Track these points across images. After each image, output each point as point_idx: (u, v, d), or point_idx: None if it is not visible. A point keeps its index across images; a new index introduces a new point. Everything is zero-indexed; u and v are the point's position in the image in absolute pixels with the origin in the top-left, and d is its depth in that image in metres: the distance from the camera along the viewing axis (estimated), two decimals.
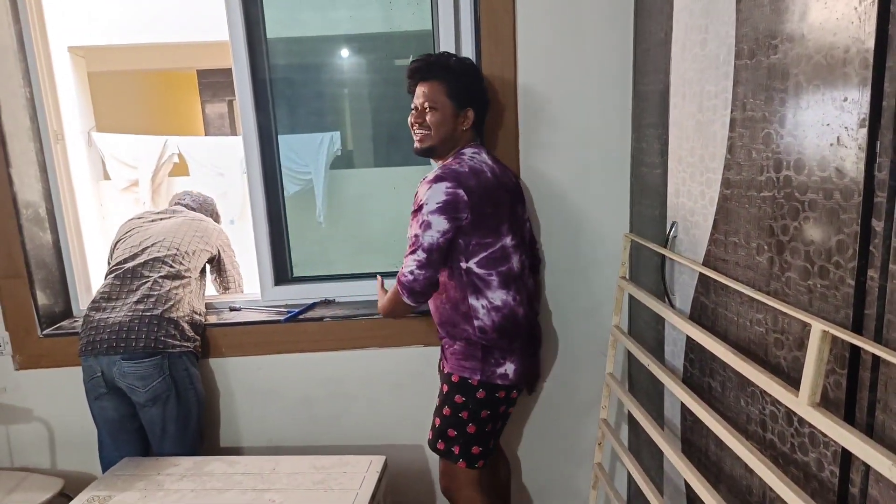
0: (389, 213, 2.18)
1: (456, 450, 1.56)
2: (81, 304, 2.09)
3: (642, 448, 1.77)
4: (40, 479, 1.93)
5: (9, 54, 1.86)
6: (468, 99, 1.55)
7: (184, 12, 3.34)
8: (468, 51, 1.88)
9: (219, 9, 1.87)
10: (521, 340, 1.57)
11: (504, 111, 1.81)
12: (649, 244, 1.51)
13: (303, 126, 2.15)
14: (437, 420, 1.60)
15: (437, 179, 1.45)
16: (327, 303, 2.10)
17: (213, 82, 6.11)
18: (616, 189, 1.86)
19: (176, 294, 1.84)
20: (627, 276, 1.66)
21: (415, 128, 1.57)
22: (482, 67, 1.80)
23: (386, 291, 1.64)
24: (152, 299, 1.80)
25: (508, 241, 1.53)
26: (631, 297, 1.80)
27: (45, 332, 1.96)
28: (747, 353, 1.15)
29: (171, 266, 1.88)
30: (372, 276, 2.15)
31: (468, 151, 1.56)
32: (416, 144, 1.58)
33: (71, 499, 1.66)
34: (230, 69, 1.93)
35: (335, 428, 2.04)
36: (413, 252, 1.46)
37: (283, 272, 2.13)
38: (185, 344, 1.81)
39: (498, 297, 1.53)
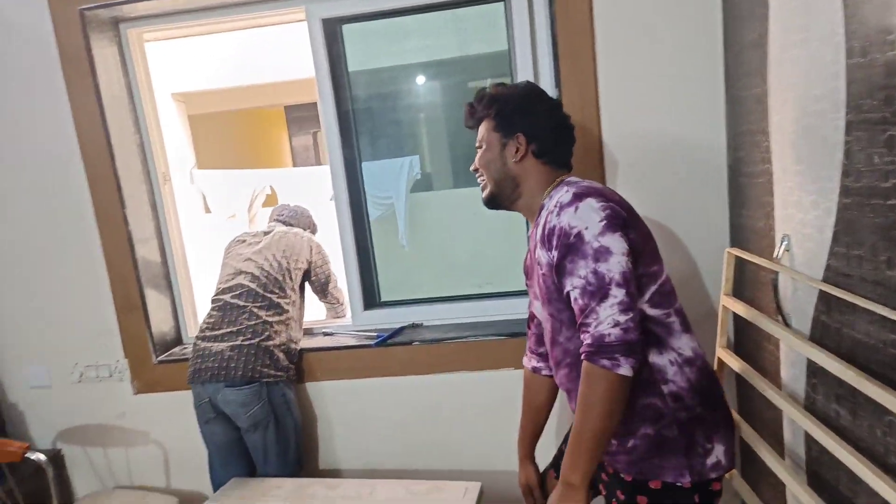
0: (472, 234, 2.19)
1: None
2: (189, 331, 2.23)
3: (760, 480, 1.63)
4: (157, 497, 2.06)
5: (121, 104, 2.03)
6: (518, 123, 1.27)
7: (272, 55, 3.57)
8: (546, 71, 1.87)
9: (304, 48, 1.96)
10: (722, 405, 1.21)
11: (585, 132, 1.76)
12: (758, 259, 1.41)
13: (383, 152, 2.21)
14: None
15: (577, 198, 1.12)
16: (415, 327, 2.12)
17: (299, 116, 6.44)
18: (713, 202, 1.76)
19: (271, 325, 1.91)
20: (734, 292, 1.55)
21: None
22: (561, 88, 1.76)
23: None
24: (250, 330, 1.88)
25: (665, 268, 1.21)
26: (735, 316, 1.68)
27: (159, 359, 2.10)
28: (881, 377, 1.04)
29: (266, 296, 1.94)
30: (459, 298, 2.15)
31: (569, 182, 1.23)
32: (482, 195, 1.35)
33: None
34: (314, 103, 2.02)
35: (429, 452, 2.04)
36: (604, 297, 1.05)
37: (371, 297, 2.18)
38: (280, 373, 1.87)
39: (685, 344, 1.16)
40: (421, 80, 2.17)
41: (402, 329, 2.09)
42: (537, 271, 1.22)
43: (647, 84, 1.74)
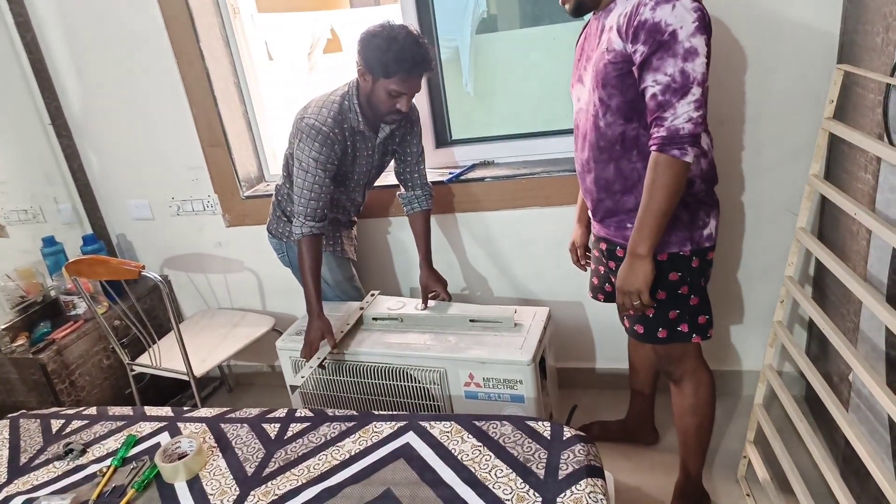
0: (542, 74, 2.08)
1: (684, 328, 1.40)
2: (272, 169, 2.32)
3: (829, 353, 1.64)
4: (256, 317, 2.31)
5: None
6: None
7: None
8: None
9: None
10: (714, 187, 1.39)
11: None
12: (874, 76, 1.28)
13: None
14: (649, 310, 1.39)
15: None
16: (487, 164, 2.12)
17: None
18: (823, 14, 1.59)
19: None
20: (834, 117, 1.44)
21: None
22: None
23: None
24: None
25: None
26: (831, 146, 1.59)
27: (246, 195, 2.23)
28: None
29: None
30: (530, 135, 2.11)
31: None
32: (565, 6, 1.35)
33: (280, 333, 1.96)
34: None
35: (498, 283, 2.15)
36: (685, 94, 1.15)
37: (442, 135, 2.18)
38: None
39: (704, 139, 1.31)
40: None
41: (473, 166, 2.11)
42: (599, 56, 1.27)
43: None
